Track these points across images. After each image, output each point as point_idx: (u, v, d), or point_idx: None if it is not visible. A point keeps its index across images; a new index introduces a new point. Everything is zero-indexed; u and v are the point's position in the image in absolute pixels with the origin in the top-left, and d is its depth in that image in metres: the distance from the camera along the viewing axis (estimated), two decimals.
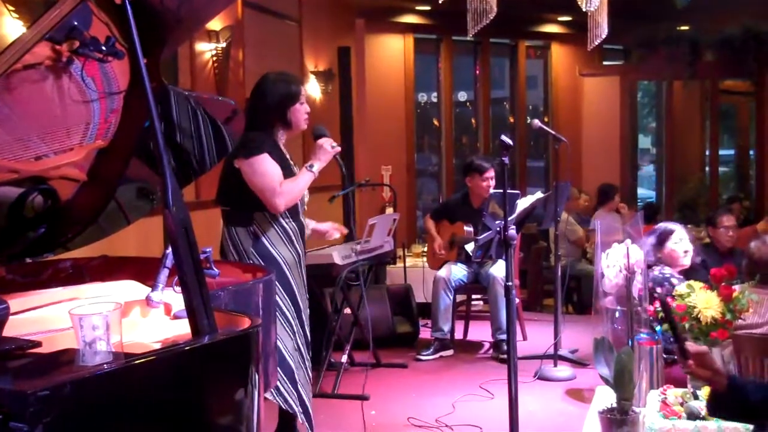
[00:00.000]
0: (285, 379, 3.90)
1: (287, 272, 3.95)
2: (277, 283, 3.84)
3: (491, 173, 6.49)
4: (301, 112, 4.03)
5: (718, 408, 2.56)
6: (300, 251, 4.06)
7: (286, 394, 3.92)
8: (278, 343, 3.84)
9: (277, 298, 3.85)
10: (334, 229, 4.48)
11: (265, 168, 3.89)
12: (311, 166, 3.98)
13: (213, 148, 3.08)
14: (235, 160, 3.91)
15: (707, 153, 12.10)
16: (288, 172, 3.97)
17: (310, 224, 4.36)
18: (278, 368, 3.83)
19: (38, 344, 1.99)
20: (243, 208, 3.96)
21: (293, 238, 4.01)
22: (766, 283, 3.96)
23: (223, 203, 4.10)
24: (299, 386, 3.98)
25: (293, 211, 4.02)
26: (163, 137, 2.14)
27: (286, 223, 3.99)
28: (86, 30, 2.30)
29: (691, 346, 2.56)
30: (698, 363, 2.48)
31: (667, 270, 4.66)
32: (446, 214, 6.72)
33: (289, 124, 4.03)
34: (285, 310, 3.92)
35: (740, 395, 2.45)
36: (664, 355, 4.16)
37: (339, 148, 4.09)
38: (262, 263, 3.87)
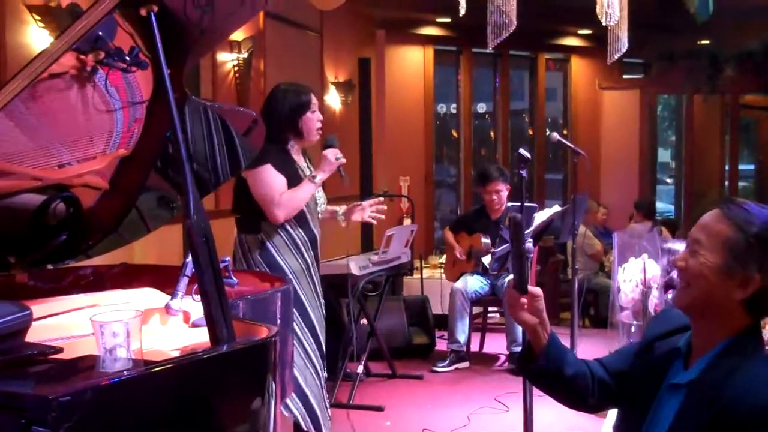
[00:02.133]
0: (300, 404, 3.93)
1: (294, 281, 3.97)
2: None
3: (496, 185, 6.42)
4: (312, 121, 4.06)
5: (529, 368, 2.12)
6: (309, 260, 4.07)
7: (289, 402, 3.93)
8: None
9: None
10: (369, 208, 4.36)
11: (265, 178, 3.93)
12: (314, 177, 4.01)
13: (226, 163, 3.11)
14: (242, 172, 3.95)
15: (727, 168, 12.06)
16: (296, 182, 4.00)
17: (339, 211, 4.36)
18: (294, 395, 3.87)
19: (60, 350, 2.02)
20: (251, 215, 4.00)
21: (301, 246, 4.03)
22: None
23: (235, 211, 4.15)
24: (307, 394, 3.98)
25: (301, 220, 4.04)
26: (186, 147, 2.17)
27: (294, 231, 4.01)
28: (111, 40, 2.33)
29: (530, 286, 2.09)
30: (533, 306, 2.04)
31: None
32: (464, 226, 6.73)
33: (301, 134, 4.05)
34: (295, 327, 3.93)
35: (556, 361, 2.07)
36: None
37: (344, 160, 4.09)
38: (268, 271, 3.90)
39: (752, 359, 1.87)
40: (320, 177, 4.02)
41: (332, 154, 4.04)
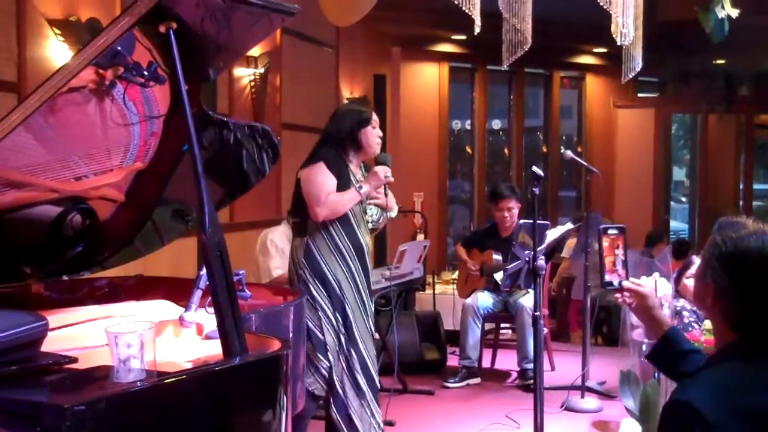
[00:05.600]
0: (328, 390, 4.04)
1: (336, 287, 4.06)
2: (327, 296, 4.02)
3: (508, 203, 6.41)
4: (373, 135, 4.22)
5: (654, 357, 2.38)
6: (355, 269, 4.12)
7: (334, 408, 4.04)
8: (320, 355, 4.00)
9: (328, 311, 4.03)
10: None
11: (316, 176, 4.06)
12: (360, 187, 4.13)
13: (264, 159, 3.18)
14: (299, 172, 4.15)
15: (741, 187, 12.05)
16: (346, 188, 4.11)
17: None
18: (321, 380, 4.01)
19: (75, 360, 2.04)
20: (301, 218, 4.15)
21: (345, 254, 4.11)
22: None
23: (291, 216, 4.36)
24: (344, 398, 4.06)
25: (347, 227, 4.12)
26: (202, 162, 2.19)
27: (338, 237, 4.10)
28: (129, 55, 2.37)
29: (633, 282, 2.39)
30: (638, 304, 2.33)
31: (681, 302, 4.60)
32: (476, 243, 6.73)
33: (360, 146, 4.20)
34: (334, 323, 4.04)
35: (672, 356, 2.29)
36: None
37: (392, 179, 4.24)
38: (312, 274, 4.03)
39: (711, 367, 1.96)
40: (365, 189, 4.15)
41: (382, 172, 4.19)
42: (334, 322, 4.04)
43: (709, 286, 1.96)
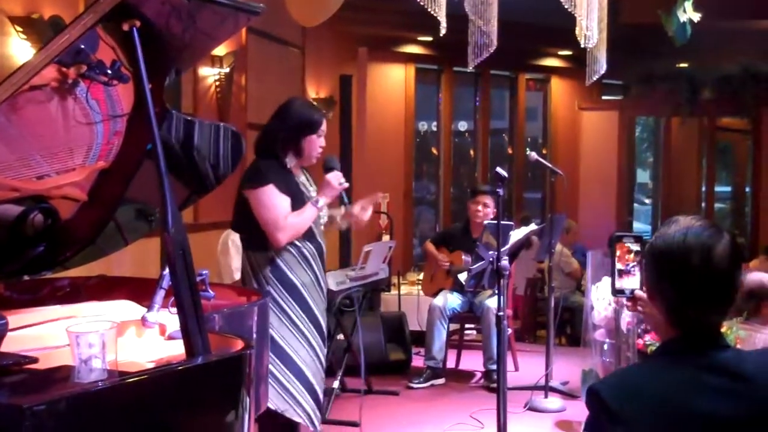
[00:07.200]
0: (310, 399, 3.93)
1: (306, 294, 3.95)
2: (296, 306, 3.90)
3: (483, 198, 6.47)
4: (315, 144, 4.02)
5: None
6: (318, 272, 4.04)
7: (311, 413, 3.93)
8: (300, 364, 3.89)
9: (297, 321, 3.90)
10: (366, 204, 4.25)
11: (268, 200, 3.86)
12: (317, 201, 3.97)
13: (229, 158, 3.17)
14: (243, 190, 3.93)
15: (704, 189, 12.17)
16: (299, 201, 3.94)
17: (337, 217, 4.32)
18: (303, 389, 3.89)
19: (35, 360, 2.03)
20: (259, 233, 3.92)
21: (310, 260, 4.00)
22: (755, 318, 4.00)
23: (239, 230, 4.11)
24: (321, 401, 4.00)
25: (308, 233, 3.99)
26: (165, 161, 2.18)
27: (302, 245, 3.97)
28: (93, 53, 2.35)
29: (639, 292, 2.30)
30: (649, 312, 2.20)
31: None
32: (445, 242, 6.75)
33: (301, 153, 4.00)
34: (305, 331, 3.93)
35: None
36: None
37: (346, 185, 4.07)
38: (281, 288, 3.90)
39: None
40: (323, 201, 3.98)
41: (335, 179, 4.00)
42: (308, 336, 3.94)
43: (646, 282, 2.00)
